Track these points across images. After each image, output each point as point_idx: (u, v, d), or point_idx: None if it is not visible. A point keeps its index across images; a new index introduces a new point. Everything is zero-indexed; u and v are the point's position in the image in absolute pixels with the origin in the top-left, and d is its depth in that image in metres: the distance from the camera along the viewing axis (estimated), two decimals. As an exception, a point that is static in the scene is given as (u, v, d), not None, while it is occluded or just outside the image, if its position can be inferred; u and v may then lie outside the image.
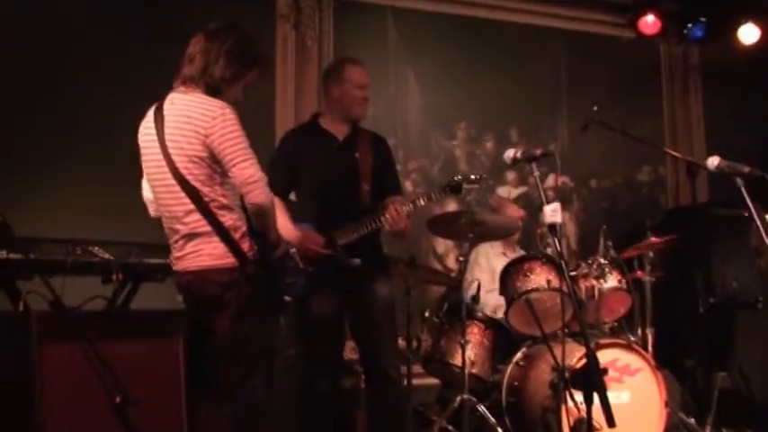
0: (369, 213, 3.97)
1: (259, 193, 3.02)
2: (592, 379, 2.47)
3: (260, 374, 3.17)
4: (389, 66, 6.25)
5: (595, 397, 3.09)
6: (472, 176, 4.11)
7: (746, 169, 3.12)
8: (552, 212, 2.84)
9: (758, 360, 5.83)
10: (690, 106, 7.33)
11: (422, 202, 4.06)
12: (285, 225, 3.84)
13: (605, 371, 2.59)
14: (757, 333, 5.83)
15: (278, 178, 4.01)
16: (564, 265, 2.94)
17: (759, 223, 2.98)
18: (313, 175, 4.03)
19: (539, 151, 3.17)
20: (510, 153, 3.18)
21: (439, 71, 6.31)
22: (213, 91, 3.13)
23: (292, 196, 4.14)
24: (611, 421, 2.68)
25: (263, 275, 3.13)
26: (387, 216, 3.89)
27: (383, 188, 4.09)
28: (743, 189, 3.07)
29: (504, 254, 5.33)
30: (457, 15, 6.46)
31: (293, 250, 3.77)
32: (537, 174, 3.09)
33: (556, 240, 2.90)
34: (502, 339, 4.87)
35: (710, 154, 3.32)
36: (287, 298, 3.58)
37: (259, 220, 3.12)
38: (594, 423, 3.82)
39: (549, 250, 4.73)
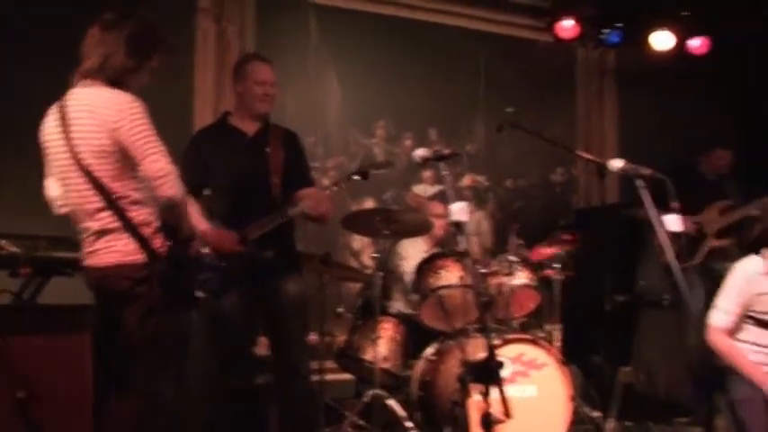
0: (280, 207, 3.99)
1: (170, 186, 3.00)
2: (489, 372, 2.55)
3: (170, 371, 3.16)
4: (311, 63, 6.25)
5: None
6: (377, 161, 4.16)
7: (647, 172, 3.23)
8: (458, 210, 2.91)
9: (662, 356, 6.05)
10: (604, 110, 7.52)
11: (333, 189, 4.12)
12: (198, 221, 3.84)
13: (501, 364, 2.67)
14: (662, 330, 6.04)
15: (190, 175, 3.98)
16: (469, 262, 3.02)
17: (655, 225, 3.09)
18: (224, 172, 4.03)
19: (447, 151, 3.25)
20: (419, 152, 3.25)
21: (360, 69, 6.35)
22: (116, 82, 3.09)
23: (207, 192, 4.14)
24: (508, 413, 2.77)
25: (174, 272, 3.11)
26: (304, 203, 3.92)
27: (295, 183, 4.12)
28: (643, 190, 3.17)
29: (427, 250, 5.40)
30: (379, 15, 6.51)
31: (206, 248, 3.78)
32: (446, 173, 3.16)
33: (462, 238, 2.97)
34: (414, 335, 4.96)
35: (622, 157, 3.42)
36: (200, 294, 3.58)
37: (170, 214, 3.10)
38: (501, 416, 3.96)
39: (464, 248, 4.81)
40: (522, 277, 4.83)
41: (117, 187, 3.04)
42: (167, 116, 3.17)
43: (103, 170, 3.02)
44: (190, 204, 3.79)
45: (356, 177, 4.13)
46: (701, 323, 3.68)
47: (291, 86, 5.93)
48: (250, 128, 4.14)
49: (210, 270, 3.64)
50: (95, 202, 3.05)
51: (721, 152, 5.91)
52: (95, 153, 3.01)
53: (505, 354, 4.40)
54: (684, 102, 7.01)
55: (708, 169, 5.94)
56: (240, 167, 4.03)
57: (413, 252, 5.28)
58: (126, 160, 3.03)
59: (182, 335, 3.32)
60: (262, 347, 4.37)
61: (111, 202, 3.03)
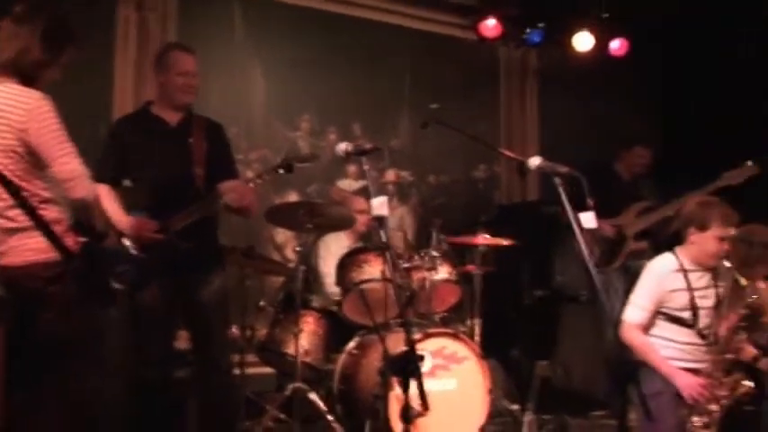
0: (203, 199, 3.95)
1: (81, 188, 3.00)
2: (409, 366, 2.57)
3: (87, 367, 3.15)
4: (235, 54, 6.19)
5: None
6: (302, 155, 4.15)
7: (564, 170, 3.29)
8: (379, 205, 2.93)
9: (579, 350, 6.19)
10: (526, 108, 7.65)
11: (258, 181, 4.08)
12: (116, 213, 3.79)
13: (421, 358, 2.70)
14: (580, 325, 6.17)
15: (110, 165, 3.96)
16: (389, 257, 3.04)
17: (572, 221, 3.15)
18: (145, 162, 3.97)
19: (369, 146, 3.26)
20: (341, 146, 3.25)
21: (285, 62, 6.30)
22: (29, 78, 3.04)
23: (127, 183, 4.07)
24: (425, 405, 2.80)
25: (88, 268, 3.09)
26: (228, 196, 3.88)
27: (218, 174, 4.07)
28: (560, 188, 3.23)
29: (350, 246, 5.40)
30: (305, 7, 6.47)
31: (126, 239, 3.72)
32: (367, 167, 3.18)
33: (382, 232, 2.99)
34: (337, 329, 4.96)
35: (543, 155, 3.47)
36: (117, 286, 3.52)
37: (83, 213, 3.09)
38: (420, 410, 4.00)
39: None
40: (443, 272, 4.88)
41: (26, 186, 3.01)
42: (87, 106, 3.13)
43: (11, 169, 2.98)
44: (107, 197, 3.74)
45: (281, 171, 4.11)
46: (617, 320, 3.78)
47: (215, 77, 5.84)
48: (172, 118, 4.08)
49: (128, 261, 3.60)
50: (5, 200, 3.00)
51: (641, 150, 6.00)
52: (3, 152, 2.95)
53: (426, 347, 4.44)
54: (604, 102, 7.15)
55: (624, 168, 6.04)
56: (162, 158, 3.98)
57: (335, 247, 5.28)
58: (35, 160, 3.00)
59: (98, 331, 3.28)
60: (182, 341, 4.32)
61: (21, 201, 2.99)
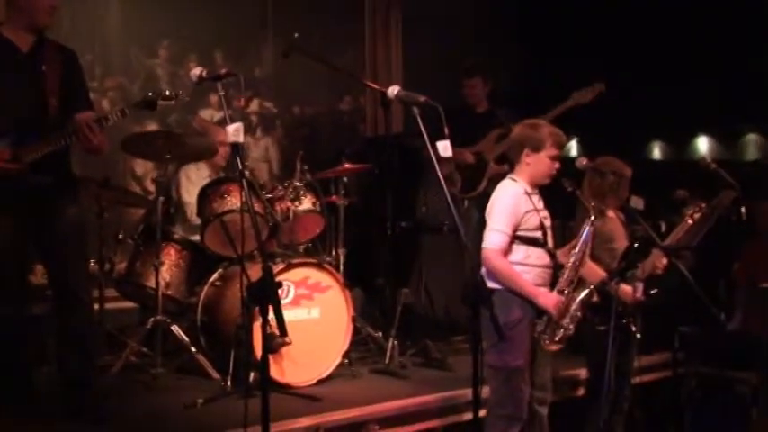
0: (57, 130, 3.77)
1: None
2: (265, 293, 2.58)
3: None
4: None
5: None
6: (167, 93, 4.02)
7: (422, 99, 3.30)
8: (235, 132, 2.88)
9: (441, 279, 6.36)
10: (390, 41, 7.64)
11: (115, 118, 3.91)
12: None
13: (279, 284, 2.71)
14: (442, 254, 6.33)
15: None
16: (245, 184, 3.01)
17: (430, 150, 3.19)
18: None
19: (224, 71, 3.18)
20: (196, 71, 3.16)
21: (142, -16, 6.06)
22: None
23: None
24: (283, 331, 2.82)
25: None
26: (79, 132, 3.72)
27: (73, 105, 3.89)
28: (418, 118, 3.24)
29: (211, 177, 5.30)
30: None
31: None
32: (222, 93, 3.11)
33: (238, 159, 2.95)
34: (199, 261, 4.90)
35: (407, 89, 3.48)
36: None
37: None
38: (285, 338, 4.03)
39: (247, 173, 4.78)
40: (307, 203, 4.88)
41: None
42: None
43: None
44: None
45: (143, 108, 3.96)
46: (477, 248, 3.87)
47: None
48: (24, 42, 3.83)
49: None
50: None
51: (467, 81, 6.02)
52: None
53: (290, 278, 4.47)
54: (465, 35, 7.23)
55: (471, 101, 6.11)
56: (15, 86, 3.76)
57: (195, 178, 5.17)
58: None
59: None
60: (38, 275, 4.18)
61: None
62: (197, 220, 4.86)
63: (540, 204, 3.87)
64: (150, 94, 3.96)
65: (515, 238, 3.78)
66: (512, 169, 3.94)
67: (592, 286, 3.91)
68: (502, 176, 4.10)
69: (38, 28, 3.86)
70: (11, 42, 3.83)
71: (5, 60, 3.81)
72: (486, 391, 3.73)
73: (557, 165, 3.82)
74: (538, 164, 3.82)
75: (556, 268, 3.82)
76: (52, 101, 3.81)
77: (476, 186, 5.82)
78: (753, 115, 8.52)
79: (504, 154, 5.68)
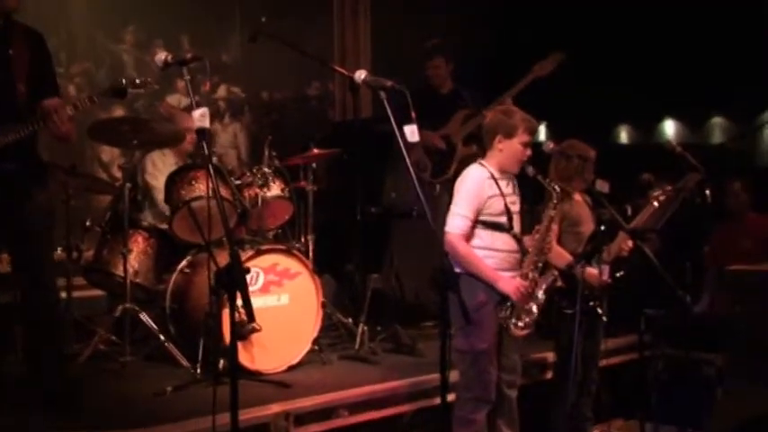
0: (25, 116, 3.71)
1: None
2: (233, 279, 2.57)
3: None
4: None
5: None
6: (137, 80, 3.97)
7: (389, 83, 3.31)
8: (201, 117, 2.85)
9: (411, 264, 6.36)
10: (359, 26, 7.62)
11: (84, 105, 3.86)
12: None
13: (248, 270, 2.70)
14: (412, 240, 6.33)
15: None
16: (212, 170, 2.99)
17: (398, 135, 3.19)
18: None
19: (189, 55, 3.15)
20: (161, 56, 3.13)
21: (109, -32, 5.98)
22: None
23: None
24: (251, 318, 2.82)
25: None
26: (47, 119, 3.66)
27: (41, 90, 3.82)
28: (385, 102, 3.25)
29: (177, 164, 5.26)
30: None
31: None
32: (188, 78, 3.09)
33: (204, 145, 2.92)
34: (167, 248, 4.87)
35: (375, 74, 3.47)
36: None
37: None
38: (255, 325, 4.03)
39: (214, 159, 4.76)
40: (275, 189, 4.87)
41: None
42: None
43: None
44: None
45: (112, 96, 3.91)
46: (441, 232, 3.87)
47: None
48: None
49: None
50: None
51: (429, 62, 6.01)
52: None
53: (259, 264, 4.45)
54: (436, 22, 7.22)
55: (436, 82, 6.11)
56: None
57: (161, 164, 5.12)
58: None
59: None
60: (3, 264, 4.13)
61: None
62: (166, 207, 4.84)
63: (509, 189, 3.89)
64: (122, 81, 3.91)
65: (478, 222, 3.80)
66: (483, 154, 3.96)
67: (557, 271, 3.94)
68: (472, 158, 4.12)
69: (4, 11, 3.79)
70: None
71: None
72: (454, 375, 3.75)
73: (528, 151, 3.84)
74: (509, 150, 3.84)
75: (523, 253, 3.84)
76: (20, 86, 3.74)
77: (446, 170, 5.82)
78: (719, 99, 8.61)
79: (472, 134, 5.74)
